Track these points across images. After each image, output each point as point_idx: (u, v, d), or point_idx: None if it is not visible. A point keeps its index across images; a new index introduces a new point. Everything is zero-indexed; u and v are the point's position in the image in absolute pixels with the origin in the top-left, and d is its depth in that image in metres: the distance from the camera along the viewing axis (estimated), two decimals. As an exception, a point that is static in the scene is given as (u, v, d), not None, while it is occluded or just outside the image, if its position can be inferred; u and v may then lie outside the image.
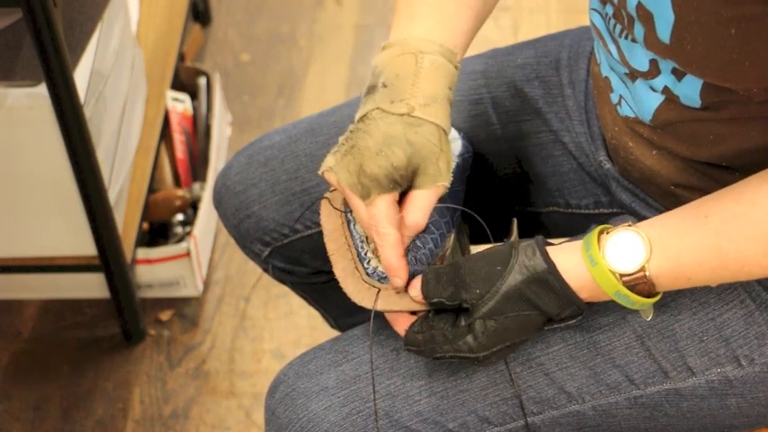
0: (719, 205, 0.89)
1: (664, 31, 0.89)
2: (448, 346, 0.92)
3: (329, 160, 0.97)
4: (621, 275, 0.90)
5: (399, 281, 0.95)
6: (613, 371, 1.00)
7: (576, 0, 2.41)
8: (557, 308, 0.91)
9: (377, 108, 0.96)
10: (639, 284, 0.90)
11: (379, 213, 0.95)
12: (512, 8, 2.40)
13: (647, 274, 0.89)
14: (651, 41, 0.91)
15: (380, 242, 0.95)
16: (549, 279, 0.90)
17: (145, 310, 1.85)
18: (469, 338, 0.92)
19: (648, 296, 0.91)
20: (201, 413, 1.72)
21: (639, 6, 0.90)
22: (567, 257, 0.92)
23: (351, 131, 0.96)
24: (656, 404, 1.01)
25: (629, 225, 0.91)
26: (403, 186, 0.96)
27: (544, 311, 0.91)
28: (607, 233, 0.92)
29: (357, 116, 0.97)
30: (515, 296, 0.91)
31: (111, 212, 1.61)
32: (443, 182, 0.95)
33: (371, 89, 0.97)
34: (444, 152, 0.96)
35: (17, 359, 1.80)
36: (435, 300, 0.93)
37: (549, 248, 0.93)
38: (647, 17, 0.90)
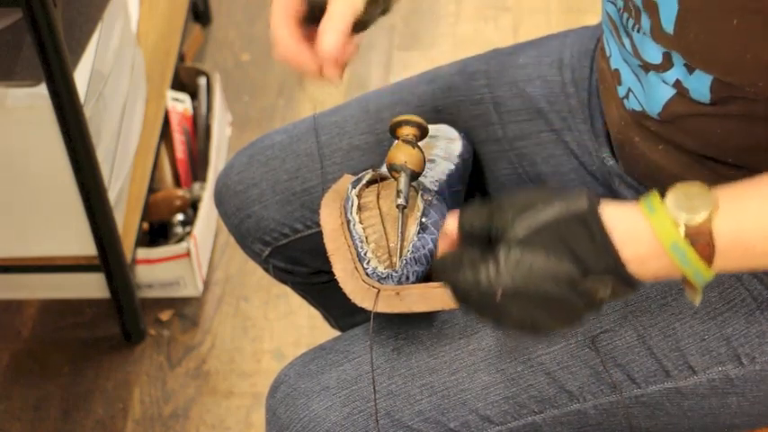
0: None
1: (668, 21, 0.89)
2: (469, 273, 0.83)
3: None
4: (684, 224, 0.81)
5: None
6: (615, 370, 1.00)
7: (577, 0, 2.41)
8: (592, 255, 0.81)
9: None
10: (700, 242, 0.81)
11: None
12: (512, 8, 2.40)
13: (712, 229, 0.80)
14: (657, 33, 0.92)
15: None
16: (588, 219, 0.81)
17: (145, 310, 1.85)
18: (491, 266, 0.82)
19: (705, 260, 0.82)
20: (201, 413, 1.72)
21: None
22: (621, 208, 0.84)
23: None
24: (658, 403, 1.01)
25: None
26: None
27: (578, 257, 0.81)
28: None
29: None
30: (548, 231, 0.81)
31: (111, 212, 1.61)
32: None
33: None
34: None
35: (17, 359, 1.80)
36: (467, 227, 0.85)
37: (602, 200, 0.83)
38: (652, 7, 0.91)
